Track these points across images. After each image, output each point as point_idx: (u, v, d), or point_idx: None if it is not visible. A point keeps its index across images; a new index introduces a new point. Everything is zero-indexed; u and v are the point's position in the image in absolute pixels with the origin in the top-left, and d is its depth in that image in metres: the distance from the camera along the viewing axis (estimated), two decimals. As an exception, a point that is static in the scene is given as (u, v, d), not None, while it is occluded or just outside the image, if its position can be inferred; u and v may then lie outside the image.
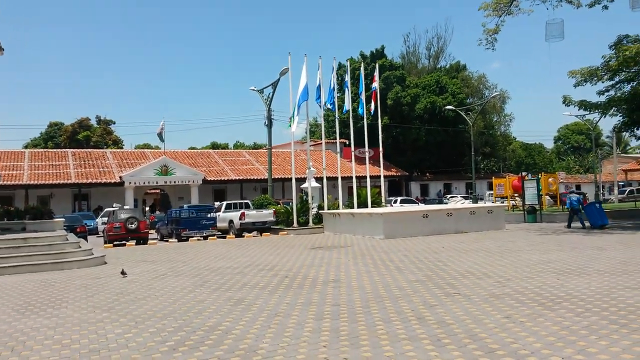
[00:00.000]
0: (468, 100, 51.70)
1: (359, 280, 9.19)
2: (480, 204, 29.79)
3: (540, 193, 24.80)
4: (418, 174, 52.38)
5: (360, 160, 44.28)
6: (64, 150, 43.57)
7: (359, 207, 23.14)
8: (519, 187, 28.42)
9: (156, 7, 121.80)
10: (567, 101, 20.82)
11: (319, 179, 25.71)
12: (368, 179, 24.17)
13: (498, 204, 24.94)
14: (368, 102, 26.30)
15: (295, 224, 21.58)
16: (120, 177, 36.23)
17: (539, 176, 24.55)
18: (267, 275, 10.27)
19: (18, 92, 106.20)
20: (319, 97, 23.71)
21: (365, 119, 25.15)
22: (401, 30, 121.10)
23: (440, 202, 37.75)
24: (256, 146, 72.80)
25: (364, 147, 35.51)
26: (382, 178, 25.64)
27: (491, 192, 35.73)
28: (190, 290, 8.87)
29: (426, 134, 49.41)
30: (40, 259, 12.34)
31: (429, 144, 50.21)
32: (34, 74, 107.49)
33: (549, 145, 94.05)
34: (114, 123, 68.11)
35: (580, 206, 20.28)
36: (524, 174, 29.25)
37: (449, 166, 53.47)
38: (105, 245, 19.18)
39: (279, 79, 25.50)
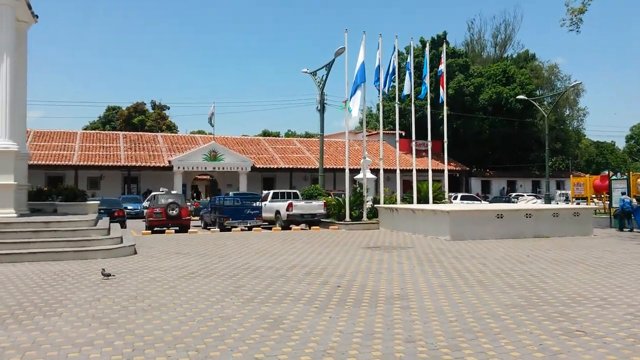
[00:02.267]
0: (538, 92, 47.76)
1: (433, 298, 7.06)
2: (553, 204, 26.65)
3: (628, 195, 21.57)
4: (479, 170, 49.03)
5: (418, 153, 41.63)
6: (116, 132, 43.48)
7: (418, 202, 20.82)
8: (602, 188, 25.18)
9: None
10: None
11: (374, 171, 23.56)
12: (430, 172, 21.76)
13: (584, 205, 21.87)
14: (433, 87, 23.87)
15: (347, 218, 19.56)
16: (169, 162, 35.43)
17: (628, 175, 21.28)
18: (314, 282, 8.31)
19: (83, 74, 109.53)
20: (377, 80, 21.50)
21: (429, 106, 22.72)
22: (465, 16, 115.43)
23: (507, 201, 34.63)
24: (308, 135, 71.15)
25: (423, 138, 33.08)
26: (445, 172, 23.15)
27: (563, 191, 32.42)
28: (218, 299, 7.04)
29: (490, 126, 45.99)
30: (60, 246, 10.94)
31: (492, 137, 46.75)
32: (97, 57, 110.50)
33: (620, 144, 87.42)
34: (168, 108, 68.38)
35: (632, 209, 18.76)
36: (606, 172, 25.89)
37: (513, 162, 49.75)
38: (143, 231, 17.88)
39: (333, 60, 23.42)
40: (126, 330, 5.52)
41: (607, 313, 6.23)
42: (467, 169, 45.16)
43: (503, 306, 6.59)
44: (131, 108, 65.12)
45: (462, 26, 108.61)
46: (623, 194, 20.50)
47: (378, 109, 56.37)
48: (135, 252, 12.14)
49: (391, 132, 47.20)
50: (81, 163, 33.83)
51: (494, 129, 46.42)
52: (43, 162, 33.08)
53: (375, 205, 20.19)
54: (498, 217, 15.88)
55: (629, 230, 18.68)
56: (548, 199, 32.10)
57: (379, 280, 8.43)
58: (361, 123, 62.63)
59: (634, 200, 19.02)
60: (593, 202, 26.08)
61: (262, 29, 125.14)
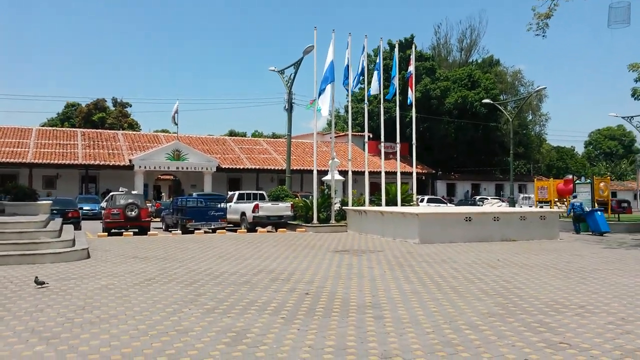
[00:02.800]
0: (502, 97, 48.57)
1: (407, 307, 6.66)
2: (518, 208, 26.91)
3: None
4: (445, 173, 49.46)
5: (386, 155, 41.56)
6: (74, 129, 41.77)
7: (387, 204, 20.57)
8: (566, 192, 25.55)
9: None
10: (637, 94, 17.93)
11: (342, 173, 23.20)
12: (399, 175, 21.60)
13: (549, 209, 22.08)
14: (401, 89, 23.71)
15: (315, 220, 19.12)
16: (129, 161, 34.18)
17: (592, 179, 21.64)
18: (281, 289, 7.80)
19: (41, 71, 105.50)
20: (346, 79, 21.17)
21: (397, 108, 22.56)
22: (432, 20, 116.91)
23: (472, 204, 34.90)
24: (275, 136, 70.46)
25: (391, 141, 33.02)
26: (414, 175, 23.06)
27: (526, 195, 32.84)
28: (176, 309, 6.45)
29: (455, 130, 46.49)
30: (5, 249, 10.08)
31: (458, 141, 47.28)
32: (56, 53, 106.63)
33: (580, 149, 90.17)
34: (130, 106, 66.27)
35: (583, 212, 19.88)
36: (569, 176, 26.32)
37: (477, 166, 50.46)
38: (99, 233, 16.95)
39: (302, 58, 22.97)
40: (69, 347, 4.89)
41: (588, 322, 5.97)
42: (434, 171, 45.47)
43: (480, 315, 6.24)
44: (91, 105, 62.85)
45: (428, 30, 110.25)
46: (574, 197, 21.01)
47: (346, 111, 56.42)
48: (89, 256, 11.35)
49: (359, 134, 47.06)
50: (36, 161, 32.24)
51: (459, 133, 46.94)
52: (-5, 160, 31.38)
53: (343, 208, 19.81)
54: (466, 220, 15.74)
55: (576, 233, 19.48)
56: (512, 202, 32.49)
57: (349, 287, 8.00)
58: (329, 124, 62.29)
59: (584, 203, 19.71)
60: (557, 205, 26.44)
61: (229, 25, 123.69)
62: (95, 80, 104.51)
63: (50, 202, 15.59)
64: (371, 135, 45.86)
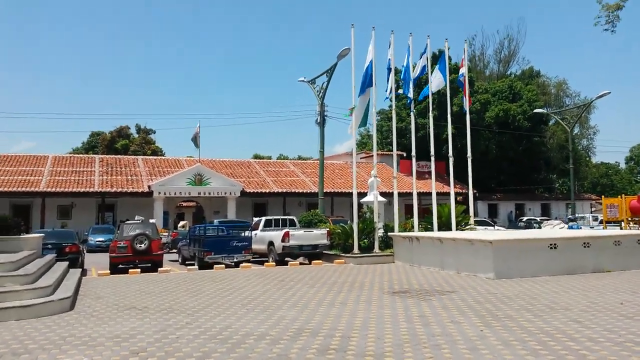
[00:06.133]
0: (546, 109, 45.07)
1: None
2: (610, 231, 23.32)
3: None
4: (484, 193, 45.85)
5: (420, 175, 38.56)
6: (91, 156, 39.93)
7: (439, 229, 17.47)
8: (642, 209, 22.04)
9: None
10: None
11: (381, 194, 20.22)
12: (452, 195, 18.59)
13: (636, 231, 18.59)
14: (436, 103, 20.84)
15: (355, 250, 16.13)
16: (148, 187, 31.89)
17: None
18: (339, 373, 4.86)
19: (66, 100, 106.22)
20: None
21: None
22: (466, 32, 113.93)
23: (527, 226, 31.34)
24: (301, 159, 67.98)
25: (424, 159, 30.05)
26: (470, 196, 19.92)
27: (596, 214, 29.23)
28: None
29: (497, 146, 43.04)
30: (-49, 303, 7.41)
31: (499, 157, 43.75)
32: (79, 84, 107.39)
33: (622, 164, 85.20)
34: (154, 132, 65.00)
35: None
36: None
37: (520, 184, 46.71)
38: (100, 272, 14.27)
39: (336, 64, 20.36)
40: None
41: None
42: (474, 191, 41.96)
43: None
44: (114, 132, 61.74)
45: (461, 42, 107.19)
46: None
47: (377, 129, 53.65)
48: (72, 308, 8.62)
49: (389, 152, 44.26)
50: (49, 189, 30.17)
51: (500, 149, 43.48)
52: (7, 189, 29.47)
53: (389, 234, 16.78)
54: (551, 248, 12.53)
55: None
56: (576, 224, 28.78)
57: (447, 367, 5.00)
58: (364, 141, 59.05)
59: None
60: (630, 226, 22.89)
61: (250, 38, 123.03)
62: (118, 109, 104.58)
63: (41, 235, 13.05)
64: (404, 154, 43.16)
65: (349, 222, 19.83)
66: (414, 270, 13.88)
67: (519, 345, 5.74)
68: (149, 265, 15.40)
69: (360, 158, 42.61)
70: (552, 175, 50.97)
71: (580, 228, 17.68)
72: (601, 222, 26.69)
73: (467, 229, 17.99)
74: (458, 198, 40.87)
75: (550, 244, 12.55)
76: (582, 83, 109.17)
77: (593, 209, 46.15)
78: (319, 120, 21.79)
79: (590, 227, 25.76)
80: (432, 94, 19.37)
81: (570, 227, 21.80)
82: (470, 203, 19.38)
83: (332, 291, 10.14)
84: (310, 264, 16.11)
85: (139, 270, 14.19)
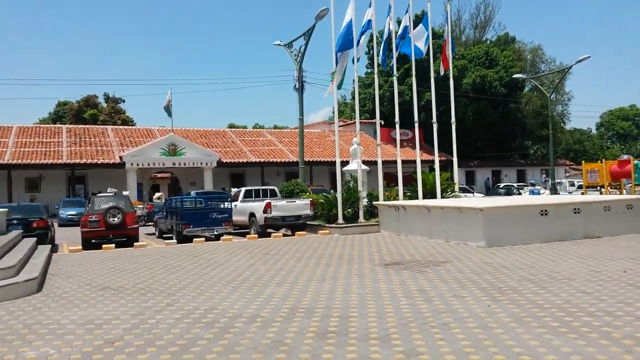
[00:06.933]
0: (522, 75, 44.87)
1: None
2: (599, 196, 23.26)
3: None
4: (461, 160, 45.87)
5: (401, 143, 38.05)
6: (58, 126, 38.19)
7: (424, 197, 17.07)
8: (621, 174, 22.08)
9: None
10: None
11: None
12: (437, 162, 18.14)
13: (633, 196, 18.51)
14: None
15: (340, 220, 15.63)
16: (120, 157, 30.68)
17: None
18: (342, 353, 4.34)
19: (33, 68, 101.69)
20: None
21: (432, 82, 19.11)
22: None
23: (508, 193, 31.36)
24: (277, 127, 66.85)
25: (405, 127, 29.56)
26: (455, 163, 19.52)
27: (571, 180, 29.39)
28: None
29: (473, 113, 42.81)
30: None
31: (475, 125, 43.61)
32: (48, 53, 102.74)
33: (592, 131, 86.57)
34: (123, 101, 62.74)
35: None
36: (624, 156, 22.83)
37: (496, 151, 46.83)
38: (71, 248, 13.45)
39: (314, 25, 19.37)
40: None
41: None
42: (452, 158, 41.87)
43: None
44: (81, 101, 59.29)
45: (438, 7, 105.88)
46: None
47: (353, 97, 52.89)
48: (39, 290, 7.88)
49: (367, 120, 43.59)
50: (14, 161, 28.74)
51: (476, 116, 43.30)
52: (-32, 162, 27.95)
53: (374, 203, 16.31)
54: (542, 214, 12.23)
55: None
56: (554, 189, 28.89)
57: (459, 351, 4.51)
58: (345, 105, 58.02)
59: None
60: (609, 190, 22.98)
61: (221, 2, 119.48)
62: (86, 75, 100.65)
63: (5, 210, 12.11)
64: (383, 122, 42.59)
65: (332, 192, 19.30)
66: (402, 239, 13.48)
67: (533, 323, 5.30)
68: (124, 239, 14.64)
69: (339, 127, 41.96)
70: (527, 141, 51.23)
71: (540, 194, 17.62)
72: (580, 187, 26.82)
73: (451, 197, 17.63)
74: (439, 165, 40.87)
75: (541, 211, 12.24)
76: (556, 50, 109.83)
77: (567, 175, 46.74)
78: (297, 86, 20.89)
79: (569, 193, 25.82)
80: (411, 59, 18.65)
81: (532, 193, 21.69)
82: (455, 170, 19.05)
83: (320, 264, 9.61)
84: (293, 235, 15.58)
85: (113, 245, 13.41)
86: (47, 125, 38.71)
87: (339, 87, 16.82)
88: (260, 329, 5.39)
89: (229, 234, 15.55)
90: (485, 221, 11.52)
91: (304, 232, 15.69)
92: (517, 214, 12.14)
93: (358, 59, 16.86)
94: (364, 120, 43.58)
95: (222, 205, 16.44)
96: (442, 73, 19.86)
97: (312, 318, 5.77)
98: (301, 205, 16.32)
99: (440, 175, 17.95)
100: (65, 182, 32.44)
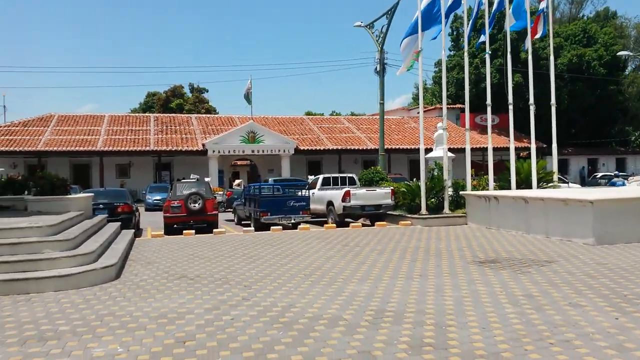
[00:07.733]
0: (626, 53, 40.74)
1: None
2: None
3: None
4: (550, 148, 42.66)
5: (482, 129, 36.00)
6: (146, 115, 39.89)
7: (518, 187, 15.63)
8: None
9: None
10: None
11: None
12: (533, 148, 16.63)
13: None
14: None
15: (423, 210, 14.66)
16: (203, 145, 31.39)
17: None
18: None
19: (127, 59, 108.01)
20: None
21: (530, 59, 17.43)
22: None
23: (596, 184, 28.64)
24: (354, 114, 65.94)
25: (484, 112, 27.58)
26: (554, 150, 17.78)
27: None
28: None
29: (569, 96, 39.48)
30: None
31: (570, 108, 40.22)
32: (140, 46, 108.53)
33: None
34: (207, 91, 64.75)
35: None
36: None
37: (593, 137, 43.03)
38: (153, 233, 13.60)
39: (397, 3, 18.31)
40: None
41: None
42: (544, 145, 38.99)
43: None
44: (169, 92, 61.89)
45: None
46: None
47: (434, 81, 50.63)
48: (117, 276, 7.75)
49: (450, 106, 41.61)
50: (106, 148, 30.24)
51: (572, 99, 39.89)
52: (66, 149, 29.75)
53: (460, 193, 15.17)
54: (663, 209, 10.58)
55: None
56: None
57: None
58: (433, 88, 55.76)
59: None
60: None
61: None
62: (174, 67, 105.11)
63: (90, 195, 12.41)
64: (463, 108, 40.44)
65: (415, 180, 18.30)
66: (493, 233, 12.32)
67: (685, 346, 4.23)
68: (204, 225, 14.63)
69: (417, 113, 40.40)
70: (629, 127, 46.70)
71: (624, 185, 15.47)
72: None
73: (549, 187, 16.03)
74: (522, 154, 38.21)
75: (661, 204, 10.60)
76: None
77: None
78: (378, 69, 19.94)
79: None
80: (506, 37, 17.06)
81: (612, 184, 19.18)
82: (554, 158, 17.31)
83: (405, 259, 8.82)
84: (373, 225, 14.83)
85: (193, 231, 13.40)
86: (136, 115, 40.53)
87: (409, 68, 15.85)
88: (344, 335, 4.74)
89: (307, 222, 15.10)
90: (595, 215, 10.12)
91: (384, 223, 14.89)
92: (631, 208, 10.58)
93: (445, 36, 15.67)
94: (447, 106, 41.70)
95: (300, 193, 16.02)
96: (526, 46, 17.87)
97: (402, 324, 5.03)
98: (382, 194, 15.50)
99: (538, 162, 16.36)
100: (152, 169, 33.81)
